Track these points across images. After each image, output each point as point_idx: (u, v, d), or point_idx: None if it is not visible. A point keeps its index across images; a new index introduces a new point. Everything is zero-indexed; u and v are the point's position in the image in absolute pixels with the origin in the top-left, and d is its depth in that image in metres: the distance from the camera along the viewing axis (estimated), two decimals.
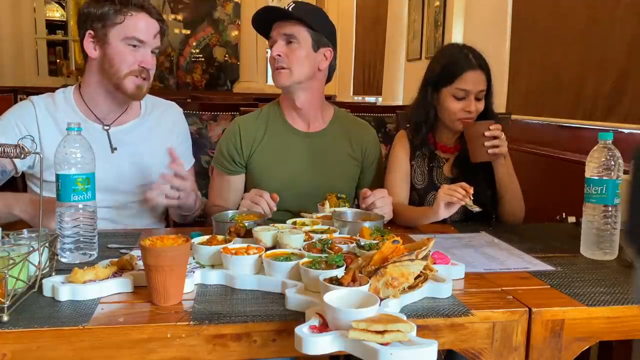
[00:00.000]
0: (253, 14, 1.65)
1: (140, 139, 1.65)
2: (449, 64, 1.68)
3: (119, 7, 1.50)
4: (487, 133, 1.58)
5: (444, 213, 1.49)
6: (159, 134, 1.68)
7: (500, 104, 2.95)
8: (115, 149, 1.60)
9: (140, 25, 1.51)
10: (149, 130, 1.67)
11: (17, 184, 1.73)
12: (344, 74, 7.88)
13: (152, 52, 1.56)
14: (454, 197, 1.45)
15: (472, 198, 1.46)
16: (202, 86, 9.64)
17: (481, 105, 1.68)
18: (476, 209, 1.48)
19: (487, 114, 1.69)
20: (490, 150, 1.59)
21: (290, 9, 1.59)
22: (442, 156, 1.77)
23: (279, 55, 1.60)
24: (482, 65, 1.66)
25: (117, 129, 1.62)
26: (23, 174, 1.60)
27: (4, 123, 1.54)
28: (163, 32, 1.59)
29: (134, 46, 1.51)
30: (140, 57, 1.52)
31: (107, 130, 1.60)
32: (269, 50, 1.66)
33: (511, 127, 2.46)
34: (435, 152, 1.77)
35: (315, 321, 0.86)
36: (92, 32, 1.52)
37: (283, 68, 1.61)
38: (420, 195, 1.76)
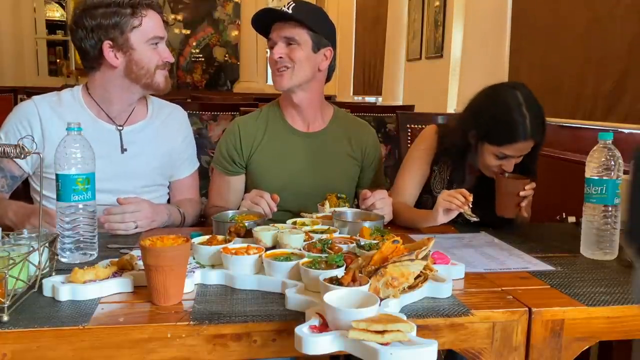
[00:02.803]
0: (252, 15, 1.64)
1: (148, 139, 1.65)
2: (502, 125, 1.51)
3: (132, 11, 1.51)
4: (522, 193, 1.49)
5: (442, 219, 1.49)
6: (165, 136, 1.69)
7: None
8: (126, 149, 1.61)
9: (155, 23, 1.55)
10: (156, 131, 1.68)
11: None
12: (344, 74, 7.88)
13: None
14: (453, 204, 1.44)
15: (470, 206, 1.45)
16: (202, 86, 9.64)
17: (519, 160, 1.57)
18: (474, 218, 1.46)
19: (527, 159, 1.58)
20: (522, 210, 1.52)
21: (290, 9, 1.58)
22: (466, 173, 1.69)
23: (280, 58, 1.60)
24: (536, 133, 1.51)
25: (127, 129, 1.63)
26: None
27: (6, 128, 1.55)
28: (165, 20, 1.63)
29: (156, 44, 1.56)
30: (163, 53, 1.57)
31: (120, 130, 1.61)
32: (269, 51, 1.66)
33: None
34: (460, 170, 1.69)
35: (315, 321, 0.86)
36: (110, 42, 1.51)
37: (285, 69, 1.60)
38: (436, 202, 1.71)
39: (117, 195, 1.57)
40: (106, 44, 1.51)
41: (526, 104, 1.51)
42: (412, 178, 1.73)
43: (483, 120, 1.56)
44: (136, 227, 1.44)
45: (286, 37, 1.59)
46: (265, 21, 1.64)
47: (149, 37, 1.53)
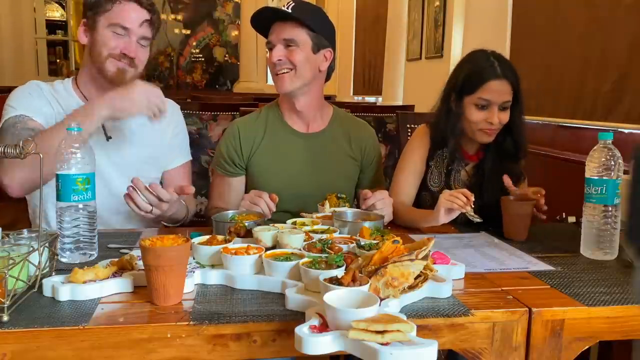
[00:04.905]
0: (252, 14, 1.64)
1: (136, 130, 1.65)
2: (473, 72, 1.62)
3: None
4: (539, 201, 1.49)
5: (443, 219, 1.48)
6: (155, 126, 1.68)
7: None
8: (110, 137, 1.61)
9: (126, 14, 1.54)
10: (145, 122, 1.65)
11: None
12: (344, 74, 7.88)
13: (139, 42, 1.57)
14: (455, 204, 1.44)
15: (472, 207, 1.44)
16: (202, 86, 9.65)
17: (505, 117, 1.61)
18: (477, 219, 1.46)
19: (513, 127, 1.64)
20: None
21: (289, 8, 1.58)
22: (462, 161, 1.72)
23: (280, 60, 1.59)
24: (508, 75, 1.59)
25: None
26: None
27: (16, 98, 1.56)
28: (153, 23, 1.59)
29: (118, 33, 1.54)
30: (122, 44, 1.54)
31: None
32: (268, 52, 1.66)
33: None
34: (456, 155, 1.70)
35: (315, 321, 0.86)
36: (85, 20, 1.58)
37: (285, 72, 1.59)
38: (435, 198, 1.69)
39: (108, 184, 1.56)
40: (82, 22, 1.58)
41: (493, 55, 1.63)
42: (408, 177, 1.74)
43: (458, 77, 1.66)
44: (151, 211, 1.42)
45: (285, 39, 1.59)
46: (265, 21, 1.63)
47: (111, 22, 1.54)
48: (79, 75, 1.65)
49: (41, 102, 1.58)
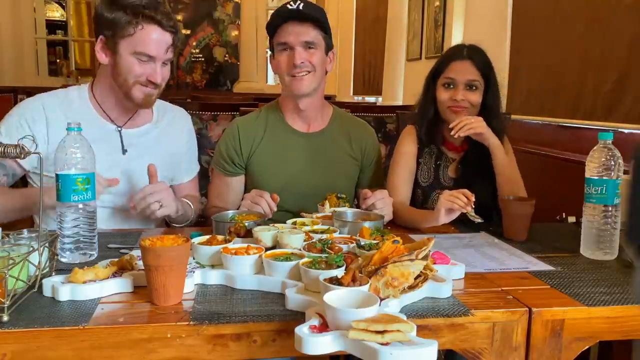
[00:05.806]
0: (269, 19, 1.62)
1: (151, 142, 1.66)
2: (443, 57, 1.77)
3: (130, 18, 1.46)
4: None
5: (444, 219, 1.49)
6: (170, 139, 1.71)
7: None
8: (126, 150, 1.62)
9: (150, 40, 1.48)
10: (160, 135, 1.69)
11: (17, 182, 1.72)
12: (344, 74, 7.86)
13: (164, 63, 1.54)
14: (455, 204, 1.45)
15: (473, 207, 1.45)
16: (202, 86, 9.63)
17: (473, 97, 1.69)
18: (478, 219, 1.47)
19: (488, 111, 1.70)
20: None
21: (301, 8, 1.55)
22: (449, 155, 1.78)
23: (302, 62, 1.57)
24: (473, 57, 1.70)
25: (130, 131, 1.64)
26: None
27: (8, 123, 1.53)
28: (176, 43, 1.55)
29: (143, 60, 1.50)
30: (149, 71, 1.51)
31: (119, 131, 1.62)
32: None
33: (511, 127, 2.46)
34: (443, 149, 1.78)
35: (315, 321, 0.86)
36: (103, 38, 1.52)
37: (305, 74, 1.58)
38: (425, 193, 1.77)
39: (120, 197, 1.57)
40: (100, 39, 1.52)
41: (466, 45, 1.76)
42: (402, 176, 1.77)
43: (434, 66, 1.79)
44: (161, 207, 1.43)
45: (307, 41, 1.57)
46: (276, 21, 1.61)
47: (135, 50, 1.48)
48: (95, 85, 1.62)
49: (35, 128, 1.51)
